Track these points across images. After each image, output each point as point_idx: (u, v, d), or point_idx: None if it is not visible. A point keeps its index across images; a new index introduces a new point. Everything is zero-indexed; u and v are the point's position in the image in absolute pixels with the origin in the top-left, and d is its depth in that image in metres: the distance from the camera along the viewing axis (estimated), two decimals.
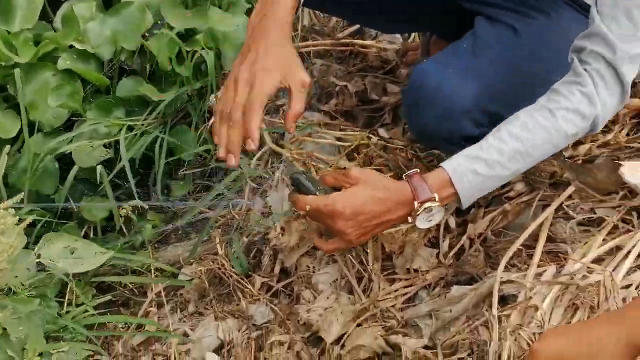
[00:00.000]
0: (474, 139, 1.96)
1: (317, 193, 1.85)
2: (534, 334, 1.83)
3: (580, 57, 1.80)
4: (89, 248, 1.73)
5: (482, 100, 1.96)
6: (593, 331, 1.26)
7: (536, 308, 1.88)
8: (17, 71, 2.57)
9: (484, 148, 1.82)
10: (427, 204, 1.82)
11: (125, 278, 2.49)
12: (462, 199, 1.84)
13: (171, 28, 2.71)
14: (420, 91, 2.00)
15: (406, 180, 1.83)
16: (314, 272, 2.30)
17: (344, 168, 2.35)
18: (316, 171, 2.36)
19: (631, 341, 1.21)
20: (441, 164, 1.84)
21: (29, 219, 1.60)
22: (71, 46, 2.72)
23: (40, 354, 1.84)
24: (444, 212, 1.90)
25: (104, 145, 2.63)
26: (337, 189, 1.86)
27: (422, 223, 1.87)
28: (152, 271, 2.51)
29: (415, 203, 1.82)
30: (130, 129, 2.66)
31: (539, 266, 2.01)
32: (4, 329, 1.66)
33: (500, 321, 1.89)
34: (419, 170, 1.85)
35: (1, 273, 1.61)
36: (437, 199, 1.82)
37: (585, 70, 1.78)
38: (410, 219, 1.87)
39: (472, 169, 1.81)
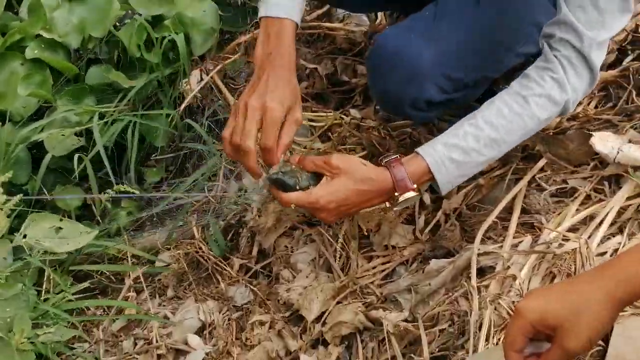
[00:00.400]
0: (438, 105, 2.06)
1: (298, 187, 1.87)
2: (513, 302, 1.86)
3: (550, 43, 1.87)
4: (75, 227, 1.73)
5: (443, 65, 1.99)
6: (576, 286, 1.28)
7: (514, 277, 1.91)
8: None
9: (460, 136, 1.87)
10: (406, 195, 1.87)
11: (103, 266, 2.49)
12: (441, 187, 1.89)
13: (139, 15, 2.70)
14: (382, 55, 2.03)
15: (386, 168, 1.87)
16: (292, 252, 2.32)
17: (319, 149, 2.37)
18: (290, 152, 2.37)
19: (613, 295, 1.24)
20: (419, 152, 1.88)
21: (16, 198, 1.59)
22: (38, 35, 2.70)
23: (29, 338, 1.83)
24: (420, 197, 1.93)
25: (76, 134, 2.62)
26: (317, 174, 1.89)
27: (398, 206, 1.92)
28: (129, 258, 2.51)
29: (396, 194, 1.87)
30: (101, 116, 2.65)
31: (514, 237, 2.04)
32: None
33: (479, 291, 1.92)
34: (398, 157, 1.88)
35: None
36: (415, 188, 1.87)
37: (555, 57, 1.85)
38: (387, 204, 1.94)
39: (450, 156, 1.85)
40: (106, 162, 2.54)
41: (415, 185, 1.86)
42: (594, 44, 1.82)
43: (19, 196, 1.55)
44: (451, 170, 1.86)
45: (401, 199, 1.87)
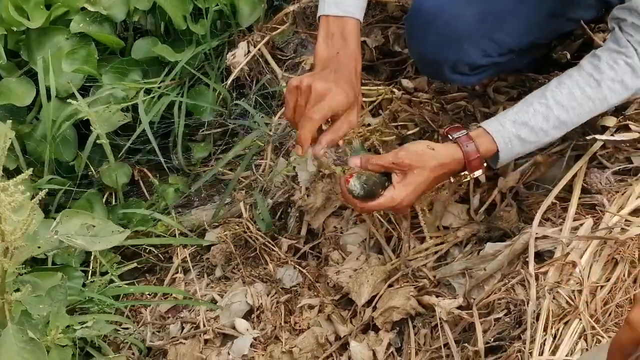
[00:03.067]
0: (482, 69, 1.99)
1: (380, 191, 1.78)
2: (573, 291, 1.77)
3: (621, 26, 1.79)
4: (106, 226, 1.68)
5: (485, 26, 1.92)
6: None
7: (574, 264, 1.82)
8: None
9: (529, 113, 1.80)
10: (476, 173, 1.82)
11: (151, 240, 2.46)
12: (500, 163, 1.84)
13: None
14: (420, 16, 1.96)
15: (458, 146, 1.79)
16: (341, 232, 2.25)
17: (369, 125, 2.28)
18: None
19: None
20: (489, 130, 1.80)
21: (42, 193, 1.55)
22: (83, 8, 2.65)
23: (67, 326, 1.80)
24: None
25: (122, 110, 2.57)
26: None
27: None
28: (177, 234, 2.47)
29: (466, 172, 1.82)
30: (147, 91, 2.60)
31: (574, 219, 1.95)
32: (25, 308, 1.61)
33: (537, 279, 1.84)
34: (467, 132, 1.81)
35: (18, 251, 1.56)
36: (485, 167, 1.82)
37: (628, 41, 1.77)
38: (452, 179, 1.88)
39: (518, 134, 1.79)
40: (152, 139, 2.49)
41: (485, 164, 1.82)
42: None
43: (27, 172, 1.49)
44: (516, 147, 1.81)
45: (470, 177, 1.83)
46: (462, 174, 1.83)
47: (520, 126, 1.79)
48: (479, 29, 1.91)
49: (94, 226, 1.64)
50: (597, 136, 2.01)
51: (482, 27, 1.92)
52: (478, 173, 1.82)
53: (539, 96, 1.83)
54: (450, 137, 1.81)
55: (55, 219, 1.71)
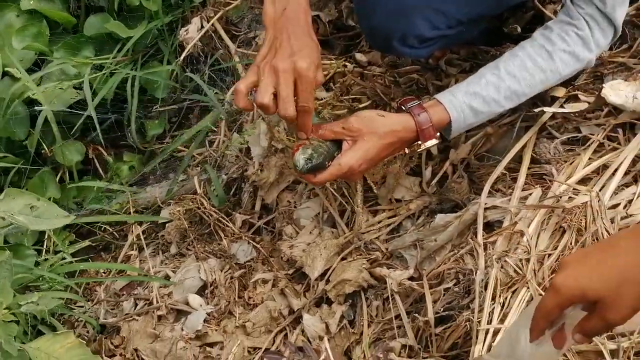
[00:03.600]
0: (431, 42, 1.97)
1: (327, 163, 1.76)
2: (520, 260, 1.78)
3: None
4: (51, 209, 1.66)
5: None
6: (614, 261, 1.21)
7: (522, 233, 1.82)
8: None
9: (481, 84, 1.81)
10: (428, 143, 1.81)
11: (105, 217, 2.44)
12: (452, 133, 1.84)
13: None
14: None
15: (410, 115, 1.78)
16: (295, 207, 2.25)
17: (322, 99, 2.28)
18: None
19: None
20: (442, 100, 1.80)
21: None
22: None
23: (16, 306, 1.79)
24: None
25: (74, 87, 2.54)
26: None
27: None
28: (131, 211, 2.46)
29: (419, 142, 1.81)
30: (100, 68, 2.58)
31: (523, 189, 1.96)
32: None
33: (486, 248, 1.84)
34: (420, 102, 1.80)
35: None
36: (438, 136, 1.82)
37: (579, 13, 1.80)
38: (407, 150, 1.86)
39: (470, 105, 1.80)
40: (96, 122, 2.47)
41: (438, 134, 1.81)
42: (617, 4, 1.78)
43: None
44: (468, 118, 1.82)
45: (423, 147, 1.82)
46: (416, 143, 1.82)
47: (472, 96, 1.80)
48: (426, 0, 1.90)
49: (37, 208, 1.63)
50: (546, 108, 2.02)
51: None
52: (431, 143, 1.81)
53: (492, 67, 1.84)
54: (404, 108, 1.81)
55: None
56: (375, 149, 1.76)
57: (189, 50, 2.59)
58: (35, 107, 2.49)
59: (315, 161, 1.73)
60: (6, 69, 2.45)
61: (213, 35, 2.62)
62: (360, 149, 1.75)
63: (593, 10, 1.78)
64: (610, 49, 2.14)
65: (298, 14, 1.74)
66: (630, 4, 2.11)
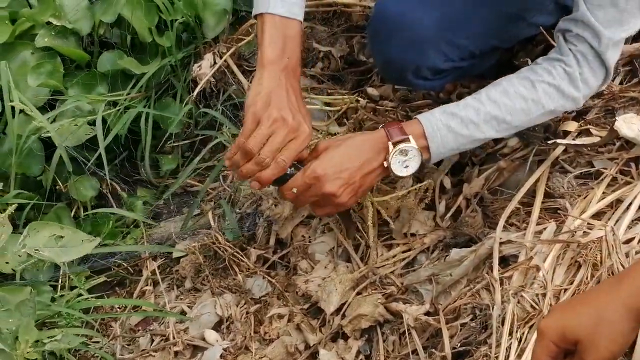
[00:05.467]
0: (444, 74, 2.00)
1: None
2: (537, 295, 1.79)
3: (565, 36, 1.80)
4: (76, 236, 1.68)
5: (446, 30, 1.94)
6: (593, 300, 1.21)
7: (538, 268, 1.83)
8: None
9: (460, 106, 1.81)
10: (401, 145, 1.78)
11: (119, 248, 2.46)
12: (433, 154, 1.81)
13: None
14: (383, 21, 1.97)
15: (381, 127, 1.80)
16: (310, 241, 2.26)
17: (335, 134, 2.30)
18: None
19: (630, 305, 1.17)
20: (417, 116, 1.81)
21: (11, 208, 1.55)
22: (48, 23, 2.64)
23: (36, 342, 1.80)
24: (420, 159, 1.80)
25: (89, 123, 2.57)
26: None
27: (398, 168, 1.81)
28: (146, 242, 2.48)
29: (390, 144, 1.78)
30: (114, 104, 2.60)
31: (538, 224, 1.97)
32: None
33: (502, 283, 1.86)
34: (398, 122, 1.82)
35: None
36: (411, 140, 1.78)
37: (570, 50, 1.79)
38: (385, 164, 1.81)
39: (447, 124, 1.79)
40: (105, 162, 2.49)
41: (410, 136, 1.78)
42: (611, 44, 1.76)
43: (13, 206, 1.49)
44: (446, 139, 1.80)
45: (395, 149, 1.78)
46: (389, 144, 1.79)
47: (449, 116, 1.79)
48: (440, 33, 1.93)
49: (62, 237, 1.64)
50: (559, 140, 2.04)
51: (443, 31, 1.94)
52: (404, 146, 1.77)
53: (474, 93, 1.84)
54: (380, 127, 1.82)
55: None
56: (340, 154, 1.78)
57: (202, 85, 2.61)
58: (50, 142, 2.51)
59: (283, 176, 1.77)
60: (21, 106, 2.47)
61: (226, 70, 2.65)
62: (325, 156, 1.78)
63: (586, 48, 1.77)
64: (621, 83, 2.17)
65: (297, 65, 1.80)
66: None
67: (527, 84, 1.80)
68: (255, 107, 1.73)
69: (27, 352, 1.66)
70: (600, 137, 2.05)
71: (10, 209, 1.54)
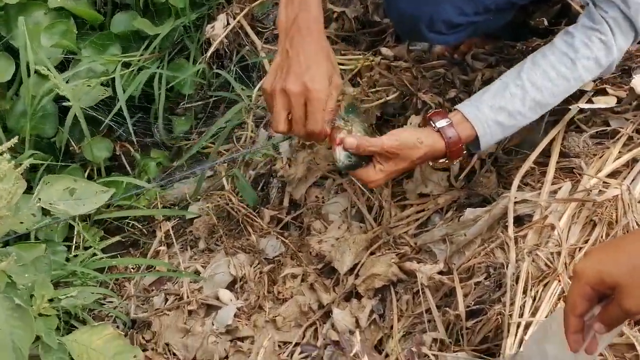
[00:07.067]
0: (458, 28, 1.95)
1: (362, 163, 1.77)
2: (551, 253, 1.79)
3: (594, 1, 1.78)
4: (90, 187, 1.68)
5: None
6: (630, 245, 1.21)
7: (552, 227, 1.83)
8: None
9: (507, 98, 1.80)
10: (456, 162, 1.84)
11: (134, 211, 2.47)
12: (482, 148, 1.83)
13: None
14: None
15: (440, 136, 1.78)
16: (323, 202, 2.26)
17: (352, 94, 2.28)
18: None
19: None
20: (467, 115, 1.79)
21: (27, 162, 1.54)
22: None
23: (50, 300, 1.81)
24: None
25: (102, 84, 2.56)
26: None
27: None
28: (159, 206, 2.48)
29: (446, 160, 1.82)
30: (127, 65, 2.60)
31: (553, 183, 1.96)
32: (10, 277, 1.62)
33: (516, 242, 1.85)
34: (450, 121, 1.79)
35: (2, 220, 1.56)
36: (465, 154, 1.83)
37: (602, 17, 1.77)
38: (431, 163, 1.89)
39: (496, 120, 1.79)
40: (127, 117, 2.50)
41: (465, 151, 1.82)
42: None
43: (14, 140, 1.49)
44: (495, 133, 1.81)
45: (451, 164, 1.88)
46: (442, 160, 1.82)
47: (498, 111, 1.79)
48: None
49: (76, 189, 1.64)
50: (580, 105, 2.02)
51: None
52: (458, 160, 1.84)
53: (514, 77, 1.82)
54: (432, 124, 1.80)
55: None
56: (404, 169, 1.79)
57: (215, 46, 2.60)
58: (64, 103, 2.51)
59: (353, 160, 1.75)
60: (35, 66, 2.46)
61: (239, 31, 2.64)
62: (390, 170, 1.77)
63: (617, 13, 1.76)
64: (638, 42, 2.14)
65: (309, 22, 1.73)
66: None
67: (568, 63, 1.79)
68: (263, 87, 1.75)
69: (43, 308, 1.67)
70: (617, 96, 2.03)
71: (26, 164, 1.53)
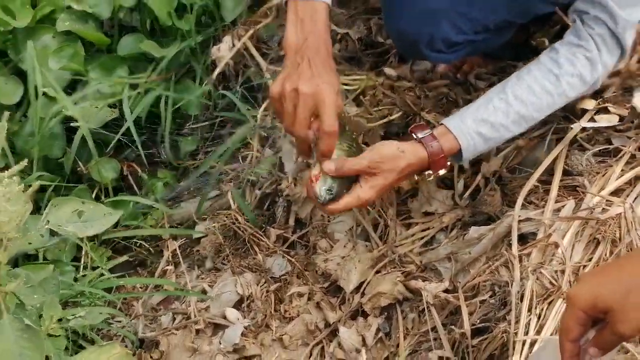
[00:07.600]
0: (457, 47, 1.99)
1: (342, 193, 1.78)
2: (555, 271, 1.80)
3: (582, 18, 1.82)
4: (98, 209, 1.70)
5: (459, 3, 1.93)
6: (624, 268, 1.22)
7: (556, 245, 1.85)
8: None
9: (489, 110, 1.83)
10: (440, 172, 1.84)
11: (141, 231, 2.48)
12: (464, 160, 1.88)
13: None
14: None
15: (423, 146, 1.80)
16: (329, 221, 2.28)
17: (355, 115, 2.31)
18: None
19: None
20: (450, 128, 1.82)
21: (36, 184, 1.56)
22: (69, 7, 2.66)
23: (59, 320, 1.82)
24: None
25: (109, 105, 2.59)
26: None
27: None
28: (166, 225, 2.50)
29: (430, 172, 1.84)
30: (134, 87, 2.62)
31: (556, 201, 1.98)
32: (19, 298, 1.64)
33: (520, 260, 1.87)
34: (432, 132, 1.82)
35: (11, 242, 1.58)
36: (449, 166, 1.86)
37: (589, 34, 1.81)
38: (416, 177, 1.91)
39: (478, 131, 1.82)
40: (135, 136, 2.51)
41: (449, 163, 1.85)
42: (628, 25, 1.79)
43: (24, 163, 1.51)
44: (478, 144, 1.83)
45: (433, 177, 1.86)
46: (426, 172, 1.85)
47: (480, 123, 1.82)
48: (452, 4, 1.92)
49: (84, 212, 1.66)
50: (583, 123, 2.04)
51: (456, 3, 1.93)
52: (442, 172, 1.85)
53: (499, 91, 1.85)
54: (415, 137, 1.82)
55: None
56: (392, 183, 1.81)
57: (221, 68, 2.63)
58: (71, 124, 2.53)
59: (335, 192, 1.77)
60: (43, 89, 2.49)
61: (244, 53, 2.66)
62: (379, 185, 1.78)
63: (604, 30, 1.79)
64: (638, 61, 2.17)
65: (319, 44, 1.78)
66: None
67: (552, 79, 1.83)
68: (271, 91, 1.77)
69: (52, 328, 1.68)
70: (618, 115, 2.05)
71: (35, 186, 1.55)
